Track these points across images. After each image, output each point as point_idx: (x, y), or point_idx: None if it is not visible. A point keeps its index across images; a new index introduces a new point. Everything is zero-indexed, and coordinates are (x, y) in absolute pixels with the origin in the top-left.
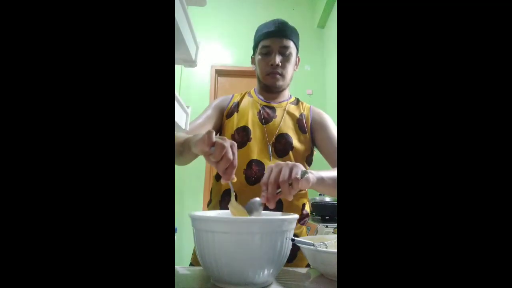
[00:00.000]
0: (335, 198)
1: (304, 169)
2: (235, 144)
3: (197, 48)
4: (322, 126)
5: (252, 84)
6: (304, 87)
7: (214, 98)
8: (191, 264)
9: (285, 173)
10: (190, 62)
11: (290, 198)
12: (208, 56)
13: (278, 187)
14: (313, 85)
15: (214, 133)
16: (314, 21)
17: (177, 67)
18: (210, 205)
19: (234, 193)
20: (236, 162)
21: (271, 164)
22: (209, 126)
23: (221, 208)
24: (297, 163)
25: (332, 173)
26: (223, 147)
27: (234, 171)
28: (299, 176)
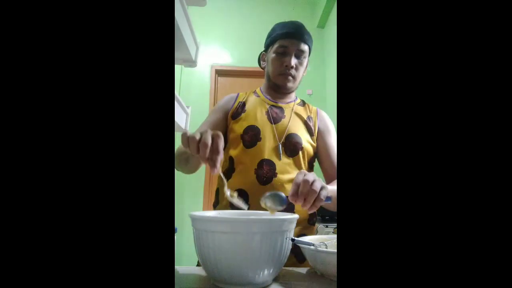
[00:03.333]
0: None
1: (328, 192)
2: (220, 134)
3: (197, 48)
4: (325, 136)
5: (253, 84)
6: (304, 87)
7: (214, 98)
8: (198, 264)
9: (317, 186)
10: (190, 62)
11: (306, 208)
12: (208, 56)
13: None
14: (313, 85)
15: (187, 133)
16: (314, 21)
17: (177, 67)
18: (217, 207)
19: (225, 180)
20: (220, 148)
21: (304, 172)
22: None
23: (232, 210)
24: (324, 184)
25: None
26: (193, 138)
27: (219, 158)
28: (323, 198)
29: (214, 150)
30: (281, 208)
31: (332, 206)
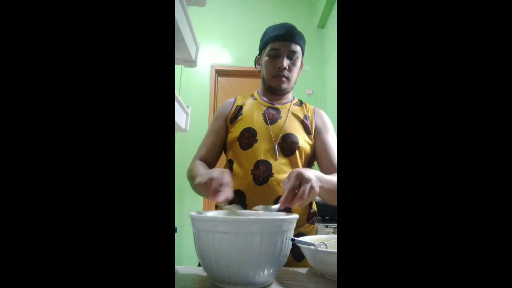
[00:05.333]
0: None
1: (317, 191)
2: (226, 171)
3: (197, 48)
4: (322, 133)
5: (252, 84)
6: (304, 87)
7: (214, 98)
8: (198, 265)
9: (304, 191)
10: (190, 62)
11: (293, 206)
12: (208, 56)
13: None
14: (313, 85)
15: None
16: (314, 21)
17: (177, 67)
18: (219, 207)
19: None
20: (225, 182)
21: (298, 173)
22: (218, 140)
23: None
24: (315, 188)
25: (333, 178)
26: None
27: (228, 189)
28: (312, 198)
29: (225, 185)
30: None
31: (322, 195)
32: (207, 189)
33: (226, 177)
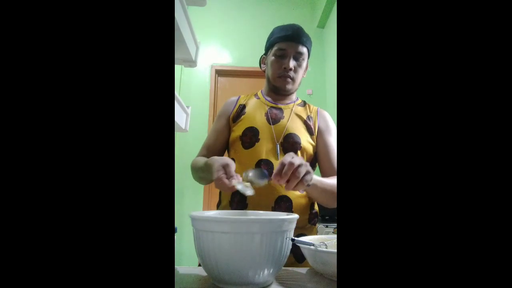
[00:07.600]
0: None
1: (312, 178)
2: (229, 164)
3: (197, 48)
4: (324, 135)
5: (253, 84)
6: (304, 87)
7: (214, 98)
8: (199, 265)
9: (301, 171)
10: (190, 62)
11: (288, 189)
12: (208, 56)
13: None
14: (313, 85)
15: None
16: (314, 21)
17: (177, 67)
18: (220, 206)
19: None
20: (231, 172)
21: (292, 155)
22: (220, 139)
23: (232, 209)
24: (310, 169)
25: (327, 181)
26: (223, 184)
27: (232, 180)
28: (305, 183)
29: (229, 176)
30: (262, 183)
31: (315, 193)
32: (222, 181)
33: (223, 160)
